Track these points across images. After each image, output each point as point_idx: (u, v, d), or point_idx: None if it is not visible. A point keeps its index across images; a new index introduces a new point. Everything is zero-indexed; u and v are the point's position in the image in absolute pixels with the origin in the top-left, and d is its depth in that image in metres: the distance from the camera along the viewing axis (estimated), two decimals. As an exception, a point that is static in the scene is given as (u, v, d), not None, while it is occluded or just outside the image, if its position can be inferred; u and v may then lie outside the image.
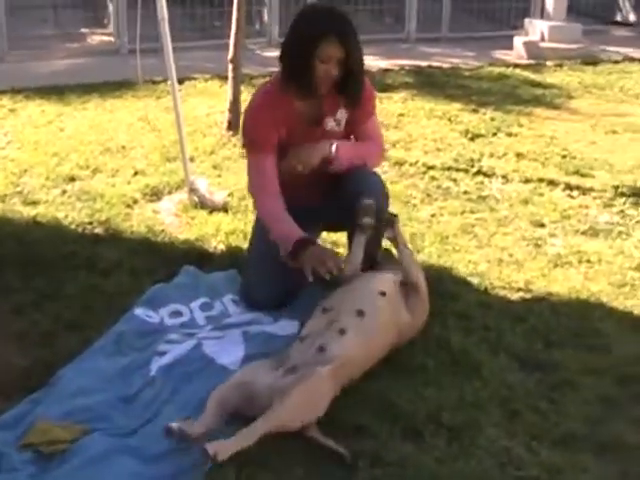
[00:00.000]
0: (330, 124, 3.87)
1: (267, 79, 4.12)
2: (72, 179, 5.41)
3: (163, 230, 4.69)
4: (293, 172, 3.76)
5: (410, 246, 4.05)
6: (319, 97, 3.78)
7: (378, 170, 4.10)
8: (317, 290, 3.74)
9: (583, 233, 4.76)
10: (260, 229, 3.98)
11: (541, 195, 5.27)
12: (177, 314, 3.89)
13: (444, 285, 4.09)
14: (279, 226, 3.73)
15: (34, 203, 5.05)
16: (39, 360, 3.52)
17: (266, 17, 9.48)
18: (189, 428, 2.96)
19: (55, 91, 7.37)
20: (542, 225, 4.85)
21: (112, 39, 9.30)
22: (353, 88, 3.77)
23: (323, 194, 3.91)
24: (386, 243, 3.93)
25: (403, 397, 3.25)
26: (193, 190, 4.97)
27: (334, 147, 3.77)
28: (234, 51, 5.94)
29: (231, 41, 5.93)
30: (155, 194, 5.18)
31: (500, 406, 3.26)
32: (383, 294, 3.44)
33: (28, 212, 4.91)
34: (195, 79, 7.81)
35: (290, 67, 3.72)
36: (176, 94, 4.96)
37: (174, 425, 2.95)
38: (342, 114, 3.88)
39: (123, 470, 2.88)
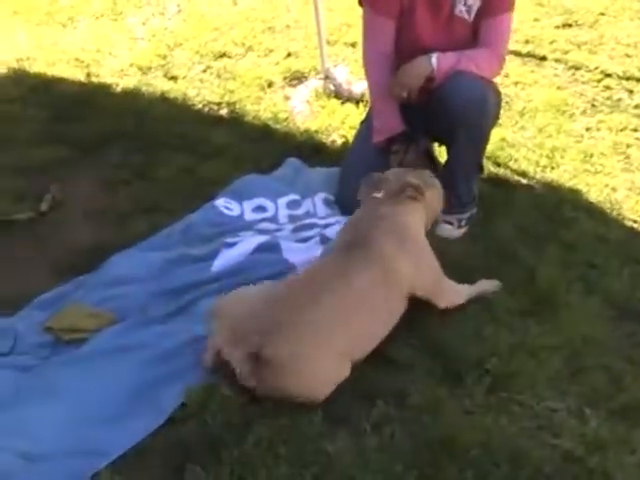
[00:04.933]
0: (460, 7, 3.45)
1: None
2: (221, 56, 5.22)
3: (287, 118, 4.43)
4: (399, 98, 3.45)
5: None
6: None
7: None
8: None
9: None
10: (366, 130, 3.67)
11: None
12: (261, 209, 3.67)
13: (561, 210, 3.61)
14: (383, 106, 3.57)
15: (173, 78, 4.92)
16: (105, 242, 3.41)
17: None
18: None
19: (248, -37, 7.15)
20: None
21: None
22: None
23: (428, 94, 3.50)
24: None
25: (456, 335, 2.86)
26: (329, 78, 4.65)
27: (434, 60, 3.36)
28: None
29: None
30: (297, 78, 4.91)
31: (567, 359, 2.81)
32: None
33: (161, 87, 4.78)
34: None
35: None
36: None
37: None
38: (474, 0, 3.43)
39: (126, 370, 2.71)
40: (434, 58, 3.35)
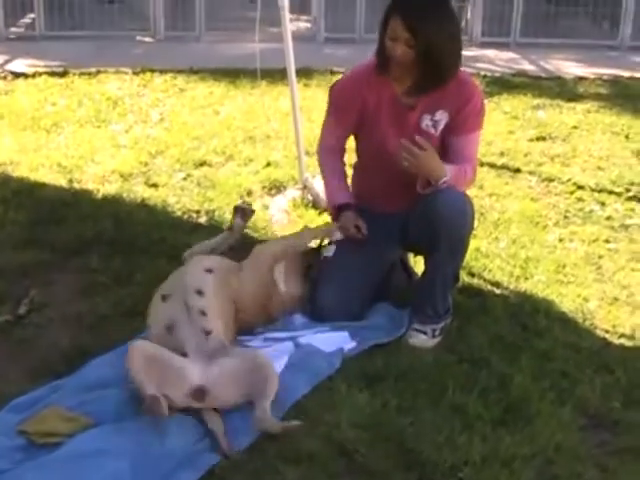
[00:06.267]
0: (426, 122, 3.56)
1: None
2: (202, 164, 5.34)
3: (265, 226, 4.50)
4: (398, 161, 3.41)
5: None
6: (412, 87, 3.52)
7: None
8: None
9: None
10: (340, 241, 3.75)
11: (699, 232, 4.65)
12: (237, 316, 3.68)
13: (535, 319, 3.67)
14: (333, 182, 3.78)
15: (154, 185, 5.01)
16: (83, 345, 3.42)
17: (469, 15, 9.14)
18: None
19: (230, 74, 7.36)
20: (684, 266, 4.26)
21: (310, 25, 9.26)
22: (424, 73, 3.45)
23: (403, 203, 3.58)
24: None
25: (430, 443, 2.87)
26: (307, 188, 4.75)
27: (448, 178, 3.42)
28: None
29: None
30: (276, 187, 5.01)
31: (539, 468, 2.82)
32: (209, 271, 3.40)
33: (142, 194, 4.86)
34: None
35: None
36: (293, 82, 4.74)
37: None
38: (442, 116, 3.55)
39: (100, 475, 2.69)
40: (448, 176, 3.41)
